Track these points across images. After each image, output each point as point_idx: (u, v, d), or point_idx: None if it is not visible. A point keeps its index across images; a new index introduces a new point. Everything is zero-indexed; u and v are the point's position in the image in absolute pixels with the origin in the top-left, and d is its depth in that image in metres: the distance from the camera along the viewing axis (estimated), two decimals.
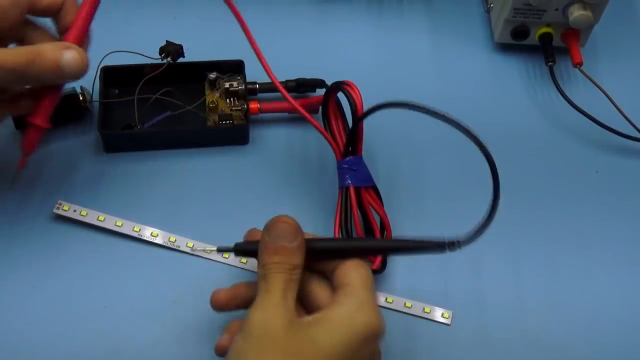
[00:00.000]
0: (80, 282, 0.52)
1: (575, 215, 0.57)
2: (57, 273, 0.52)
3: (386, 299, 0.52)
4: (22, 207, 0.54)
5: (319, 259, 0.45)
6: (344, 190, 0.52)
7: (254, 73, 0.57)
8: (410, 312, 0.52)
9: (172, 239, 0.53)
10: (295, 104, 0.54)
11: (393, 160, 0.58)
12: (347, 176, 0.52)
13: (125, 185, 0.56)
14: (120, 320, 0.50)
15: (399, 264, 0.53)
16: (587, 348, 0.51)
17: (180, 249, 0.53)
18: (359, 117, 0.51)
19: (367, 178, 0.53)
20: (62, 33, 0.50)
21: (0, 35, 0.47)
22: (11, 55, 0.45)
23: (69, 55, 0.47)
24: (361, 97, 0.51)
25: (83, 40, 0.50)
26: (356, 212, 0.51)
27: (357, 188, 0.52)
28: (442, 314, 0.52)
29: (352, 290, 0.43)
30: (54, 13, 0.50)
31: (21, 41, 0.50)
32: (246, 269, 0.53)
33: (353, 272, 0.43)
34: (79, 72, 0.48)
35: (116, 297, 0.51)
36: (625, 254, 0.56)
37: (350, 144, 0.53)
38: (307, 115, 0.53)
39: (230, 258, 0.53)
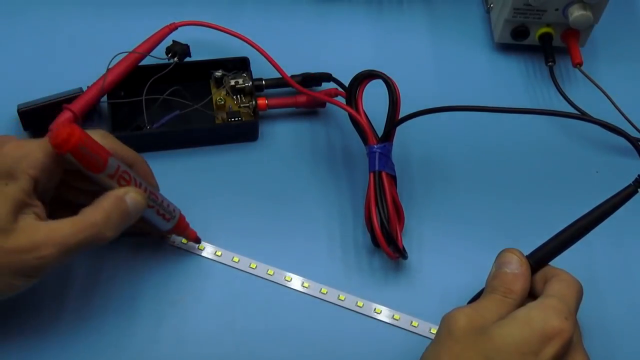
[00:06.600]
0: (80, 282, 0.52)
1: (575, 216, 0.57)
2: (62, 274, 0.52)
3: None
4: None
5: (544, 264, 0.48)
6: (376, 174, 0.53)
7: (259, 69, 0.58)
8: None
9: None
10: (322, 96, 0.55)
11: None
12: (381, 161, 0.53)
13: None
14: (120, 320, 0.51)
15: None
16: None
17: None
18: (399, 119, 0.53)
19: (393, 166, 0.54)
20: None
21: (44, 194, 0.45)
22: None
23: (130, 198, 0.45)
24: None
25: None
26: (389, 195, 0.52)
27: (386, 174, 0.53)
28: None
29: (541, 298, 0.45)
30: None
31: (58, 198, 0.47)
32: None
33: (555, 284, 0.45)
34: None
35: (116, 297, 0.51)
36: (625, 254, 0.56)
37: (386, 131, 0.54)
38: (345, 106, 0.54)
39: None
